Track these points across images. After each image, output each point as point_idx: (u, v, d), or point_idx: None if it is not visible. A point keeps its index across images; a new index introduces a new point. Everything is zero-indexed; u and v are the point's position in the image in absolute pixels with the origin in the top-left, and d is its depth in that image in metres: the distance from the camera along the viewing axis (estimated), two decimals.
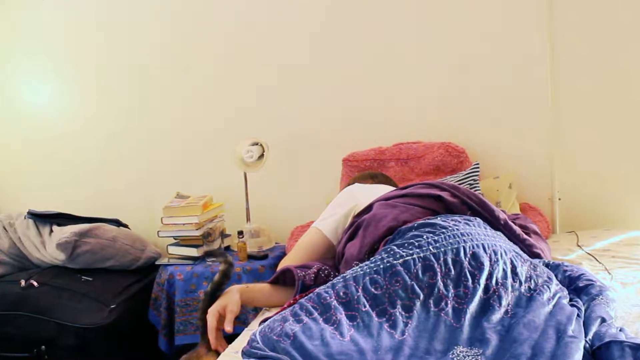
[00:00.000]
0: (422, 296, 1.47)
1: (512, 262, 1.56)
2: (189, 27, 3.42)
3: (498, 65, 3.07)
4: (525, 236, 1.89)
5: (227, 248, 3.16)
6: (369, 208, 2.01)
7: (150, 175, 3.53)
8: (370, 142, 3.15)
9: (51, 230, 3.06)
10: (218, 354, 1.68)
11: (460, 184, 2.51)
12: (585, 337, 1.32)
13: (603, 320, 1.39)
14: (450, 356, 1.32)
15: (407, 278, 1.49)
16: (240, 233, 2.97)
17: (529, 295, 1.48)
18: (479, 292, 1.47)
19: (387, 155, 3.07)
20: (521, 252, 1.68)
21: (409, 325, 1.41)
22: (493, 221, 1.86)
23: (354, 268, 1.57)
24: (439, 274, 1.50)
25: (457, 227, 1.64)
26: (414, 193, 1.99)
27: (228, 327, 1.71)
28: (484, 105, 3.10)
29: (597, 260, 2.25)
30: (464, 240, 1.58)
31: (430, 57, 3.14)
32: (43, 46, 3.61)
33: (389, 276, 1.49)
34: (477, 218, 1.80)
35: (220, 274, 1.88)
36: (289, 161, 3.34)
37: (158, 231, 3.02)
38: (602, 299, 1.49)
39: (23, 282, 2.78)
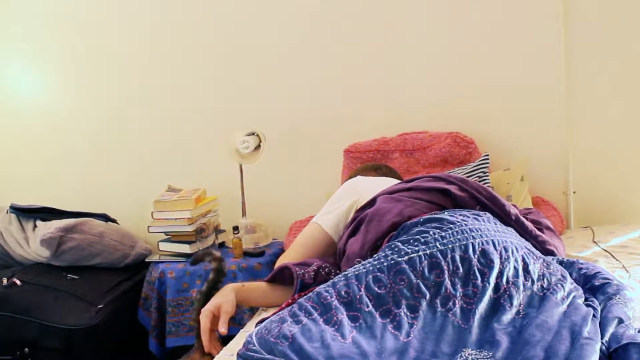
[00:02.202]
0: (428, 296, 1.46)
1: (523, 260, 1.56)
2: (180, 12, 3.41)
3: (509, 50, 3.07)
4: (537, 232, 1.89)
5: (222, 244, 3.16)
6: (372, 202, 2.01)
7: (140, 167, 3.53)
8: (374, 132, 3.15)
9: (35, 226, 3.06)
10: (212, 357, 1.68)
11: (468, 177, 2.52)
12: (602, 338, 1.32)
13: (620, 320, 1.39)
14: (459, 359, 1.32)
15: (412, 276, 1.48)
16: (236, 228, 2.97)
17: (541, 294, 1.48)
18: (489, 292, 1.47)
19: (391, 146, 3.07)
20: (533, 249, 1.68)
21: (415, 326, 1.41)
22: (504, 216, 1.86)
23: (356, 266, 1.57)
24: (446, 272, 1.50)
25: (465, 223, 1.64)
26: (420, 186, 1.98)
27: (222, 329, 1.71)
28: (494, 93, 3.10)
29: (614, 258, 2.25)
30: (472, 236, 1.58)
31: (437, 41, 3.14)
32: (25, 31, 3.60)
33: (393, 274, 1.49)
34: (487, 213, 1.80)
35: (213, 272, 1.88)
36: (287, 152, 3.33)
37: (148, 226, 3.02)
38: (619, 298, 1.49)
39: (5, 281, 2.78)
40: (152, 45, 3.46)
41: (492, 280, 1.49)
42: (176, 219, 2.97)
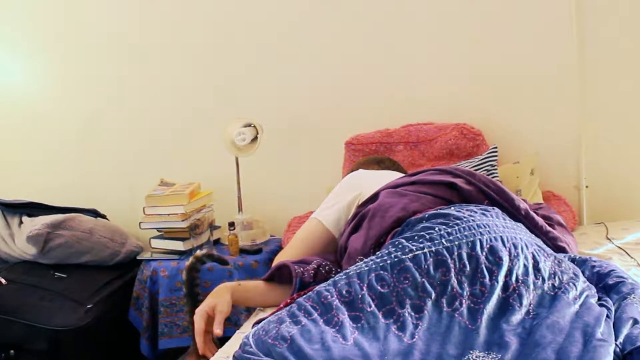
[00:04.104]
0: (433, 295, 1.46)
1: (534, 257, 1.56)
2: None
3: (519, 36, 3.05)
4: (548, 228, 1.90)
5: (217, 241, 3.16)
6: (374, 197, 2.01)
7: (131, 160, 3.52)
8: (376, 124, 3.15)
9: (21, 222, 3.06)
10: (207, 359, 1.68)
11: (476, 170, 2.51)
12: (616, 340, 1.32)
13: (635, 321, 1.39)
14: None
15: (417, 275, 1.48)
16: (232, 225, 2.97)
17: (552, 293, 1.48)
18: (497, 291, 1.47)
19: (394, 138, 3.07)
20: (544, 246, 1.68)
21: (420, 327, 1.41)
22: (513, 211, 1.86)
23: (358, 264, 1.57)
24: (452, 270, 1.50)
25: (472, 218, 1.63)
26: (425, 180, 1.99)
27: (217, 330, 1.71)
28: (502, 82, 3.09)
29: (629, 255, 2.25)
30: (480, 232, 1.58)
31: (443, 26, 3.13)
32: (8, 17, 3.59)
33: (397, 272, 1.49)
34: (495, 208, 1.80)
35: (185, 270, 1.91)
36: (285, 145, 3.33)
37: (140, 222, 3.02)
38: (634, 297, 1.49)
39: None
40: (142, 31, 3.44)
41: (501, 278, 1.49)
42: (169, 214, 2.97)
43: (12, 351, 2.62)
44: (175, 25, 3.40)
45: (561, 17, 2.99)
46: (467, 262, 1.51)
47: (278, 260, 2.08)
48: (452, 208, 1.75)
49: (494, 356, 1.32)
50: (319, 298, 1.46)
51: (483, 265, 1.50)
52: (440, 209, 1.78)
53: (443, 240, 1.55)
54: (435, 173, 2.03)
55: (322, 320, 1.41)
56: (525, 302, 1.45)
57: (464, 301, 1.46)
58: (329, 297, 1.46)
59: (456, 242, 1.54)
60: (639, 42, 2.97)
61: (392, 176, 2.22)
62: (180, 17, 3.39)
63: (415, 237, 1.58)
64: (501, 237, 1.57)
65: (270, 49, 3.30)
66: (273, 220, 3.25)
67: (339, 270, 1.91)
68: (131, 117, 3.50)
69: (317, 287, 1.52)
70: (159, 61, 3.44)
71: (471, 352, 1.34)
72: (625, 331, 1.36)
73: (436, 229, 1.60)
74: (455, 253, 1.52)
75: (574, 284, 1.51)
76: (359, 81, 3.23)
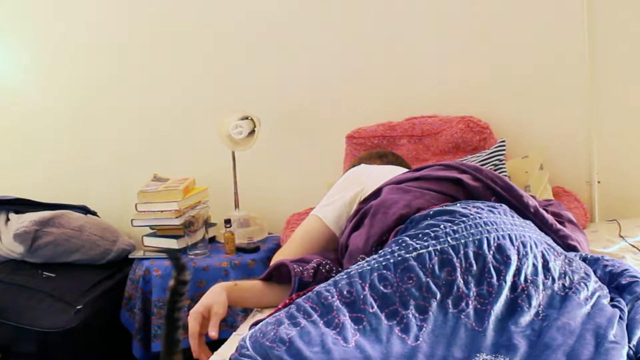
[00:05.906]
0: (438, 295, 1.46)
1: (543, 256, 1.56)
2: None
3: (528, 25, 3.05)
4: (559, 226, 1.90)
5: (213, 239, 3.16)
6: (377, 193, 2.01)
7: (123, 155, 3.51)
8: (379, 116, 3.14)
9: (7, 219, 3.06)
10: None
11: (483, 165, 2.51)
12: (629, 342, 1.32)
13: None
14: None
15: (421, 274, 1.48)
16: (228, 222, 2.97)
17: (563, 294, 1.48)
18: (505, 291, 1.47)
19: (398, 132, 3.07)
20: (554, 245, 1.68)
21: (424, 329, 1.41)
22: (521, 208, 1.86)
23: (359, 262, 1.57)
24: (458, 269, 1.50)
25: (479, 215, 1.63)
26: (430, 176, 1.99)
27: (213, 332, 1.71)
28: (511, 73, 3.08)
29: None
30: (487, 230, 1.58)
31: (448, 15, 3.12)
32: None
33: (400, 272, 1.49)
34: (503, 205, 1.80)
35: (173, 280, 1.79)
36: (284, 138, 3.33)
37: (132, 219, 3.02)
38: None
39: None
40: (133, 18, 3.43)
41: (509, 278, 1.49)
42: (162, 211, 2.96)
43: None
44: (170, 15, 3.39)
45: (572, 8, 2.99)
46: (473, 261, 1.51)
47: (276, 258, 2.09)
48: (458, 205, 1.75)
49: (502, 359, 1.32)
50: (319, 299, 1.46)
51: (490, 265, 1.50)
52: (446, 205, 1.78)
53: (448, 239, 1.55)
54: (441, 168, 2.03)
55: (322, 321, 1.41)
56: (534, 302, 1.45)
57: (470, 302, 1.46)
58: (330, 297, 1.45)
59: (462, 240, 1.54)
60: None
61: (396, 171, 2.22)
62: (175, 8, 3.38)
63: (420, 235, 1.58)
64: (509, 235, 1.57)
65: (268, 39, 3.29)
66: (271, 217, 3.25)
67: (339, 269, 1.91)
68: (123, 109, 3.49)
69: (317, 287, 1.52)
70: (152, 52, 3.43)
71: (478, 355, 1.34)
72: (639, 333, 1.36)
73: (441, 226, 1.60)
74: (462, 252, 1.52)
75: (585, 284, 1.51)
76: (360, 72, 3.22)
